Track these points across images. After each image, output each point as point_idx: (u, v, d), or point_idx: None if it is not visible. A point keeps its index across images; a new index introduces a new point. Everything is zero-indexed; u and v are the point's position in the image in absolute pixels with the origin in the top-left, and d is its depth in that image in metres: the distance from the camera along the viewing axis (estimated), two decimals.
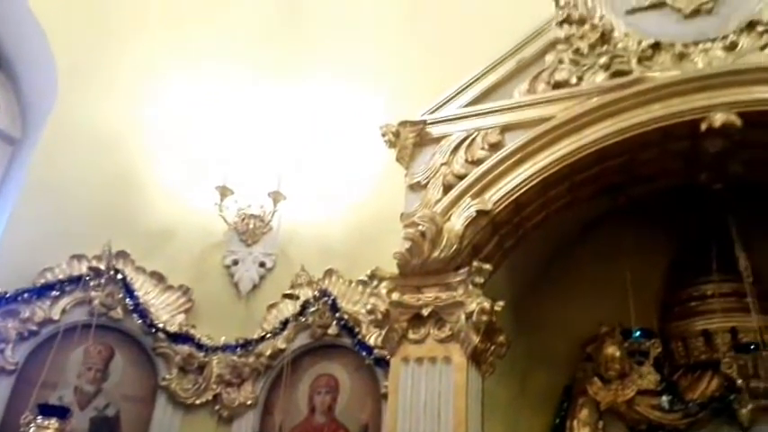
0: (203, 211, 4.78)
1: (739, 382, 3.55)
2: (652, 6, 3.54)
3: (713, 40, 3.29)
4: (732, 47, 3.25)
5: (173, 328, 4.29)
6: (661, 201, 4.11)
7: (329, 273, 4.25)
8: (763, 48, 3.19)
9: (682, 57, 3.32)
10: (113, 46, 5.04)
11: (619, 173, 3.58)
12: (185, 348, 4.27)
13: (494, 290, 3.55)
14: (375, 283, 3.45)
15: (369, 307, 3.38)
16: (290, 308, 4.26)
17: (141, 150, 4.90)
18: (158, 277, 4.50)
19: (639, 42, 3.43)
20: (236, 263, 4.75)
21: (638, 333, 3.89)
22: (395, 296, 3.32)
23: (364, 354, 3.88)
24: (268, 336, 4.24)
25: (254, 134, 4.79)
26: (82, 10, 4.95)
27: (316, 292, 4.12)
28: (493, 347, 3.44)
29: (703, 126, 3.12)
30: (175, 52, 5.18)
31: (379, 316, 3.33)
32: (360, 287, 4.15)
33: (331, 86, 4.85)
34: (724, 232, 3.73)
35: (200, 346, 4.30)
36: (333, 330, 4.05)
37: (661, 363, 4.02)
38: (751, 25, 3.24)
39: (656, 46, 3.39)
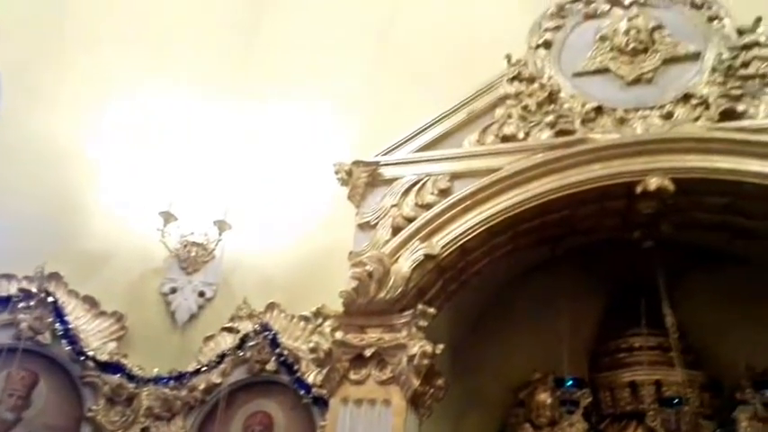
0: (144, 235, 4.66)
1: None
2: (597, 72, 3.77)
3: (651, 108, 3.53)
4: (668, 116, 3.48)
5: (103, 357, 4.12)
6: (597, 252, 4.32)
7: (271, 306, 4.20)
8: (696, 119, 3.43)
9: (622, 121, 3.53)
10: (59, 61, 4.93)
11: (559, 225, 3.73)
12: (115, 378, 4.10)
13: (434, 332, 3.61)
14: (319, 320, 3.43)
15: (311, 345, 3.36)
16: (228, 341, 4.17)
17: (83, 168, 4.76)
18: (91, 302, 4.34)
19: (584, 105, 3.63)
20: (174, 291, 4.63)
21: (570, 382, 4.02)
22: (338, 335, 3.33)
23: (302, 392, 3.83)
24: (203, 369, 4.13)
25: (204, 160, 4.73)
26: (27, 25, 4.83)
27: (256, 326, 4.06)
28: (432, 390, 3.47)
29: (639, 189, 3.32)
30: (124, 72, 5.09)
31: (322, 354, 3.32)
32: (302, 323, 4.12)
33: (288, 118, 4.86)
34: (654, 287, 3.94)
35: (130, 377, 4.14)
36: (271, 366, 3.98)
37: (589, 411, 4.17)
38: (686, 97, 3.50)
39: (599, 109, 3.60)
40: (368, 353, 3.28)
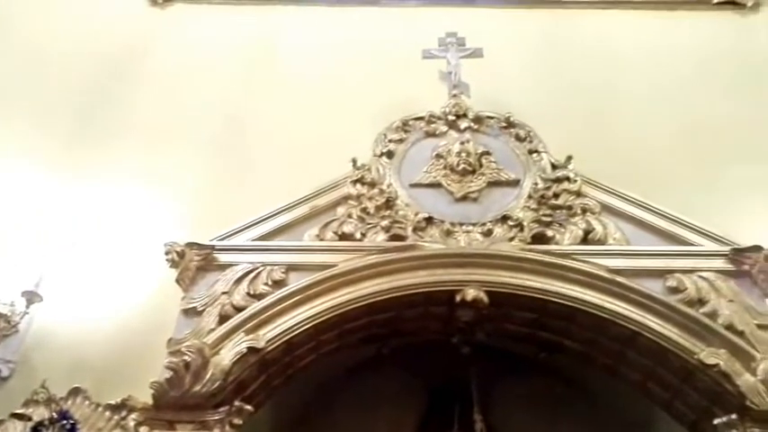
0: None
1: None
2: (431, 185, 4.09)
3: (474, 225, 3.85)
4: (488, 233, 3.82)
5: None
6: (420, 355, 4.49)
7: (75, 392, 3.80)
8: (511, 239, 3.79)
9: (448, 233, 3.81)
10: None
11: (385, 326, 3.85)
12: None
13: (253, 427, 3.49)
14: (124, 413, 3.18)
15: None
16: (18, 429, 3.69)
17: None
18: None
19: (416, 214, 3.88)
20: None
21: None
22: (143, 430, 3.10)
23: None
24: None
25: (18, 226, 4.32)
26: None
27: (53, 414, 3.65)
28: None
29: (458, 297, 3.55)
30: None
31: None
32: (107, 413, 3.75)
33: (121, 198, 4.63)
34: (468, 392, 4.15)
35: None
36: None
37: None
38: (504, 218, 3.87)
39: (430, 220, 3.86)
40: None
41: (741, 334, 3.33)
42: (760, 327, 3.37)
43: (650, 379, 3.55)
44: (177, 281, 3.65)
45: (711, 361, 3.22)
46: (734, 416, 3.10)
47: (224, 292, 3.58)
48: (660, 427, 3.97)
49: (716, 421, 3.13)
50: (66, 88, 5.26)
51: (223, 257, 3.73)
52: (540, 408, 4.37)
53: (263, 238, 3.86)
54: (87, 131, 5.03)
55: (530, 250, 3.70)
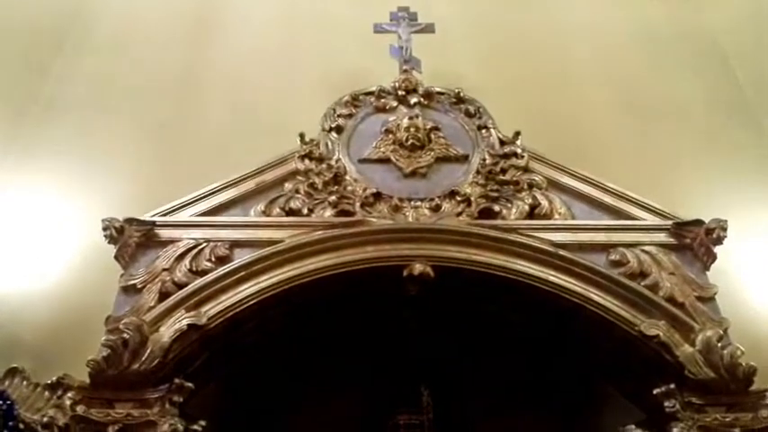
0: None
1: None
2: (380, 160, 4.03)
3: (422, 200, 3.83)
4: (437, 208, 3.80)
5: None
6: (370, 332, 4.46)
7: (12, 372, 3.70)
8: (459, 214, 3.78)
9: (396, 209, 3.78)
10: None
11: (333, 303, 3.81)
12: None
13: (202, 406, 3.43)
14: (59, 392, 3.08)
15: (45, 419, 3.00)
16: None
17: None
18: None
19: (365, 189, 3.84)
20: None
21: None
22: (80, 409, 3.00)
23: None
24: None
25: None
26: None
27: None
28: None
29: (405, 272, 3.53)
30: None
31: (57, 431, 2.97)
32: (47, 393, 3.66)
33: (57, 166, 4.47)
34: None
35: None
36: None
37: None
38: (452, 194, 3.86)
39: (378, 195, 3.83)
40: (112, 430, 3.00)
41: (681, 306, 3.40)
42: (700, 299, 3.44)
43: (594, 351, 3.60)
44: (116, 257, 3.54)
45: (652, 332, 3.27)
46: (672, 385, 3.16)
47: (165, 269, 3.49)
48: (603, 401, 4.04)
49: (655, 391, 3.18)
50: (2, 62, 5.03)
51: (165, 233, 3.63)
52: (488, 384, 4.40)
53: (207, 213, 3.77)
54: (23, 106, 4.83)
55: (477, 225, 3.70)
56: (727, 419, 3.10)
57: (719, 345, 3.22)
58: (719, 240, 3.61)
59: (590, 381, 3.92)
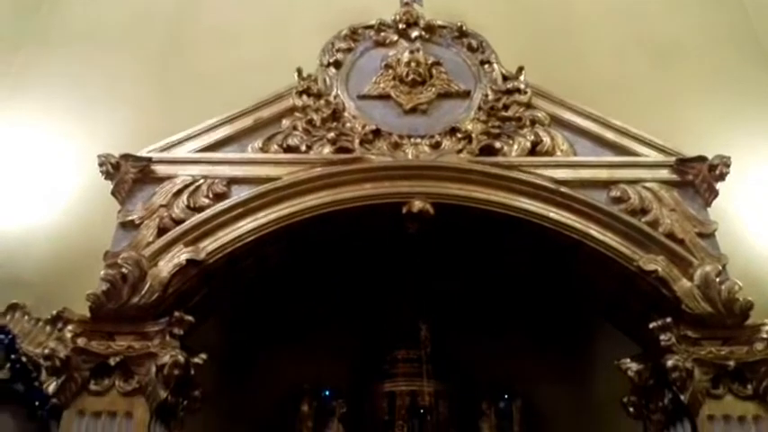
0: None
1: None
2: (379, 97, 3.95)
3: (423, 137, 3.76)
4: (437, 145, 3.74)
5: None
6: (370, 270, 4.49)
7: (13, 308, 3.73)
8: (459, 151, 3.72)
9: (396, 146, 3.72)
10: None
11: (332, 240, 3.81)
12: None
13: (203, 342, 3.48)
14: (59, 325, 3.11)
15: (47, 351, 3.02)
16: None
17: None
18: None
19: (364, 126, 3.77)
20: None
21: (326, 392, 4.12)
22: (81, 342, 3.03)
23: (37, 403, 3.45)
24: None
25: None
26: None
27: None
28: (185, 402, 3.31)
29: (404, 209, 3.51)
30: None
31: (58, 363, 2.99)
32: (48, 327, 3.70)
33: (54, 101, 4.39)
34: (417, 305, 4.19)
35: None
36: (4, 374, 3.52)
37: (350, 422, 4.30)
38: (453, 131, 3.78)
39: (377, 132, 3.76)
40: (113, 362, 3.03)
41: (681, 242, 3.38)
42: (699, 235, 3.42)
43: (592, 287, 3.62)
44: (113, 194, 3.52)
45: (650, 267, 3.27)
46: (668, 319, 3.18)
47: (162, 205, 3.46)
48: (599, 336, 4.11)
49: (651, 325, 3.20)
50: None
51: (161, 170, 3.59)
52: (485, 318, 4.46)
53: (203, 150, 3.71)
54: (17, 42, 4.70)
55: (477, 162, 3.65)
56: (722, 353, 3.13)
57: (718, 280, 3.22)
58: (722, 177, 3.57)
59: (588, 316, 3.95)
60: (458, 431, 4.27)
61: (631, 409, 3.40)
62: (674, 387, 3.06)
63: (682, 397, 3.04)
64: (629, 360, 3.38)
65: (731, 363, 3.09)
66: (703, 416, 3.04)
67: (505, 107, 3.89)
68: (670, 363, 3.06)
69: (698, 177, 3.58)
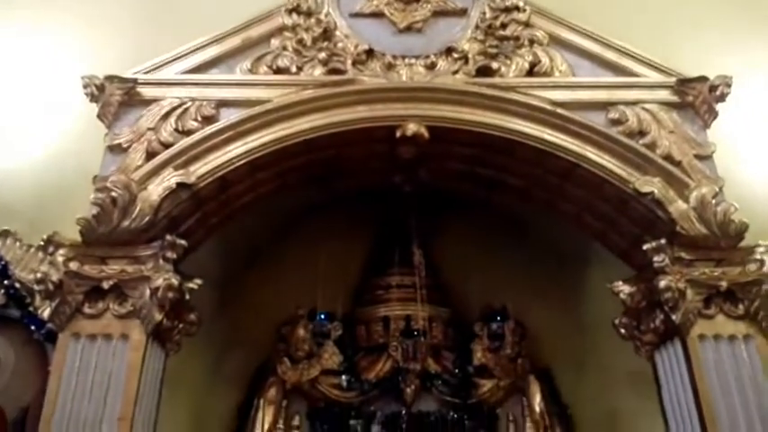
0: None
1: (402, 363, 4.02)
2: (373, 15, 3.80)
3: (417, 57, 3.64)
4: (432, 66, 3.63)
5: None
6: (367, 197, 4.46)
7: (4, 234, 3.68)
8: (455, 72, 3.61)
9: (390, 67, 3.60)
10: None
11: (326, 165, 3.76)
12: None
13: (199, 268, 3.46)
14: (51, 249, 3.07)
15: (39, 275, 3.01)
16: None
17: None
18: None
19: (356, 46, 3.64)
20: None
21: (322, 316, 4.17)
22: (73, 266, 3.02)
23: (33, 327, 3.47)
24: None
25: None
26: None
27: None
28: (181, 326, 3.33)
29: (398, 133, 3.43)
30: None
31: (51, 286, 2.98)
32: (40, 254, 3.66)
33: (37, 24, 4.20)
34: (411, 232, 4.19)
35: None
36: None
37: (346, 345, 4.37)
38: (449, 51, 3.66)
39: (370, 52, 3.63)
40: (106, 285, 3.03)
41: (678, 164, 3.34)
42: (697, 157, 3.38)
43: (586, 211, 3.59)
44: (99, 116, 3.42)
45: (646, 189, 3.24)
46: (663, 241, 3.17)
47: (150, 128, 3.38)
48: (593, 259, 4.12)
49: (645, 246, 3.20)
50: None
51: (147, 92, 3.49)
52: (479, 243, 4.47)
53: (190, 72, 3.59)
54: None
55: (473, 84, 3.55)
56: (715, 273, 3.14)
57: (713, 202, 3.19)
58: (723, 97, 3.49)
59: (580, 240, 3.94)
60: (451, 354, 4.37)
61: (623, 331, 3.45)
62: (666, 307, 3.09)
63: (673, 317, 3.07)
64: (621, 283, 3.40)
65: (724, 283, 3.11)
66: (694, 335, 3.09)
67: (503, 26, 3.76)
68: (663, 283, 3.08)
69: (698, 98, 3.50)
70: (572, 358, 4.40)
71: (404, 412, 4.15)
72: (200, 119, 3.42)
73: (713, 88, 3.48)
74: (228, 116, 3.43)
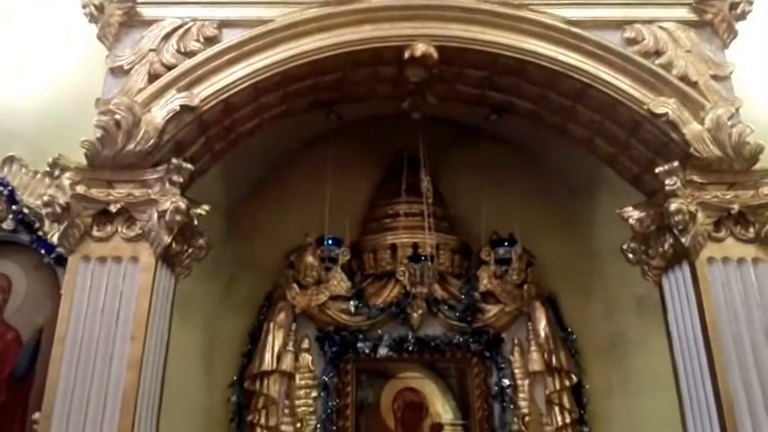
0: None
1: (408, 287, 4.06)
2: None
3: None
4: None
5: None
6: (375, 126, 4.40)
7: (9, 160, 3.66)
8: None
9: None
10: None
11: (332, 89, 3.67)
12: None
13: (207, 194, 3.46)
14: (57, 172, 3.05)
15: (46, 199, 3.00)
16: None
17: None
18: None
19: None
20: None
21: (329, 242, 4.18)
22: (80, 189, 2.99)
23: (44, 251, 3.49)
24: None
25: None
26: None
27: None
28: (190, 250, 3.34)
29: (406, 54, 3.33)
30: None
31: (58, 209, 2.98)
32: (47, 180, 3.64)
33: None
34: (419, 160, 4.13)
35: None
36: (8, 225, 3.53)
37: (354, 272, 4.41)
38: None
39: None
40: (113, 208, 3.02)
41: (694, 84, 3.25)
42: (714, 77, 3.28)
43: (598, 134, 3.52)
44: (99, 37, 3.33)
45: (660, 110, 3.16)
46: (675, 163, 3.12)
47: (152, 50, 3.29)
48: (602, 187, 4.08)
49: (658, 169, 3.15)
50: None
51: (147, 12, 3.37)
52: (487, 172, 4.43)
53: None
54: None
55: (485, 1, 3.40)
56: (727, 197, 3.11)
57: (729, 123, 3.12)
58: (743, 15, 3.37)
59: (590, 168, 3.89)
60: (457, 281, 4.40)
61: (631, 256, 3.44)
62: (676, 230, 3.07)
63: (683, 239, 3.05)
64: (630, 208, 3.36)
65: (735, 206, 3.08)
66: (703, 258, 3.07)
67: None
68: (673, 206, 3.04)
69: (717, 17, 3.37)
70: (578, 285, 4.45)
71: (410, 336, 4.23)
72: (202, 39, 3.32)
73: (733, 6, 3.35)
74: (231, 37, 3.33)
